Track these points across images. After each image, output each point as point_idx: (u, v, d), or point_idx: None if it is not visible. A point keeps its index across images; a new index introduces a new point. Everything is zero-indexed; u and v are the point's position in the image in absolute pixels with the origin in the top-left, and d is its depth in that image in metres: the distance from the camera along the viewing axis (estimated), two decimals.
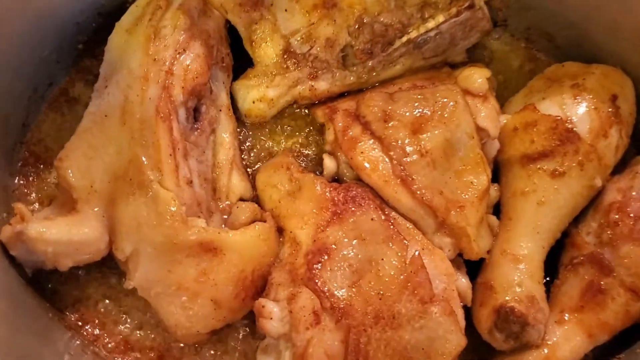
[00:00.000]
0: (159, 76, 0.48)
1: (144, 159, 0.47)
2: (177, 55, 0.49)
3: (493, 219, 0.54)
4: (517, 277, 0.50)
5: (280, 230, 0.51)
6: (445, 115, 0.51)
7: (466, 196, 0.51)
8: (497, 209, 0.55)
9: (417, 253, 0.48)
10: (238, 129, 0.55)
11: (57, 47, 0.53)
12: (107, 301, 0.53)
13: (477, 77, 0.54)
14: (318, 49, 0.54)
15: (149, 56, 0.48)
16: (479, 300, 0.51)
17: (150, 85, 0.48)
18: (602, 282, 0.50)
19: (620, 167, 0.55)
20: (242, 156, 0.56)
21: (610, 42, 0.57)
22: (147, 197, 0.47)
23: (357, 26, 0.55)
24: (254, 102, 0.54)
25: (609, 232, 0.51)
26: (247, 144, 0.56)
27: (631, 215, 0.51)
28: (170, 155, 0.47)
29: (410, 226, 0.50)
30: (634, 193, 0.52)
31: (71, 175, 0.49)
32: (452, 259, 0.51)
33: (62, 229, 0.48)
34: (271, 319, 0.47)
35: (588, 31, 0.58)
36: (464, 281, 0.51)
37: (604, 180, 0.53)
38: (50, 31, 0.51)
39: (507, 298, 0.49)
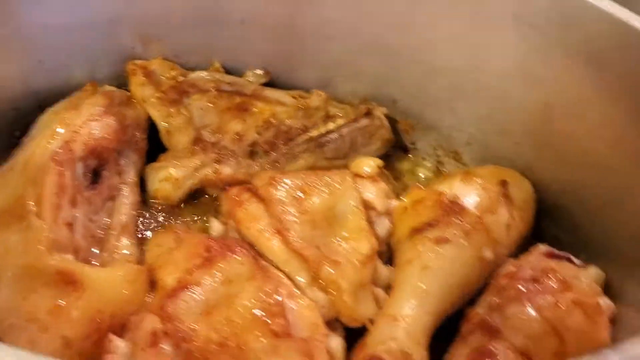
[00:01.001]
0: (65, 134, 0.53)
1: (30, 194, 0.49)
2: (88, 122, 0.54)
3: (381, 293, 0.51)
4: (393, 333, 0.45)
5: (153, 285, 0.50)
6: (331, 187, 0.53)
7: (345, 257, 0.50)
8: None
9: (280, 293, 0.45)
10: (147, 213, 0.58)
11: None
12: None
13: (368, 162, 0.56)
14: (227, 141, 0.59)
15: (62, 120, 0.54)
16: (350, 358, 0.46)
17: (54, 140, 0.52)
18: (490, 346, 0.45)
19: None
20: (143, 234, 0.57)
21: (510, 151, 0.60)
22: (22, 225, 0.48)
23: (265, 126, 0.60)
24: (160, 182, 0.58)
25: (497, 298, 0.48)
26: (152, 225, 0.58)
27: (521, 280, 0.48)
28: (55, 194, 0.49)
29: (283, 276, 0.48)
30: (526, 264, 0.50)
31: None
32: (330, 320, 0.48)
33: None
34: (116, 354, 0.43)
35: (489, 147, 0.62)
36: (336, 339, 0.46)
37: (496, 255, 0.51)
38: None
39: (378, 348, 0.44)
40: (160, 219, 0.58)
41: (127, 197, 0.56)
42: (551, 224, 0.58)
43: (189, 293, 0.45)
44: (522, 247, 0.55)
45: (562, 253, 0.51)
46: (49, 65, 0.58)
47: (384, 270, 0.53)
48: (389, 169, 0.64)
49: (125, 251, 0.53)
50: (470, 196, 0.53)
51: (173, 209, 0.59)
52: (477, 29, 0.56)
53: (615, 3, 0.49)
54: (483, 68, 0.57)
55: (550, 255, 0.51)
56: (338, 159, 0.61)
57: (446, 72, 0.59)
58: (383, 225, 0.55)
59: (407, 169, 0.66)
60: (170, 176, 0.57)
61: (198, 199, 0.60)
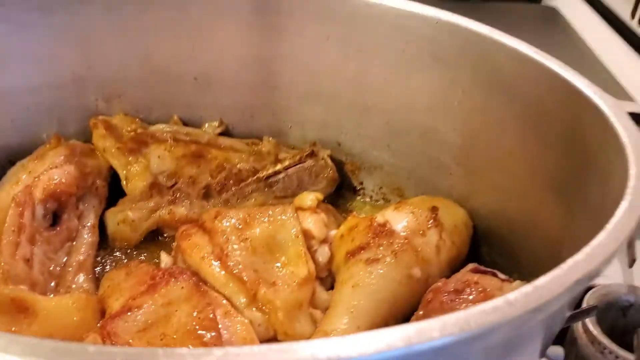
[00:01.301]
0: (27, 180, 0.58)
1: None
2: (49, 169, 0.59)
3: (319, 314, 0.54)
4: None
5: (103, 314, 0.53)
6: (273, 218, 0.57)
7: (282, 279, 0.53)
8: None
9: (215, 312, 0.48)
10: (105, 254, 0.62)
11: None
12: None
13: (308, 196, 0.60)
14: (182, 184, 0.64)
15: (26, 169, 0.60)
16: None
17: (18, 185, 0.58)
18: None
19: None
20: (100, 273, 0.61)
21: (446, 183, 0.64)
22: None
23: (218, 170, 0.65)
24: (118, 225, 0.62)
25: (422, 311, 0.51)
26: (110, 264, 0.62)
27: (444, 293, 0.51)
28: (13, 231, 0.54)
29: (222, 298, 0.52)
30: (452, 279, 0.53)
31: None
32: (268, 339, 0.51)
33: None
34: None
35: (427, 180, 0.66)
36: None
37: (426, 274, 0.54)
38: None
39: None
40: (118, 258, 0.62)
41: (86, 238, 0.60)
42: (488, 249, 0.61)
43: (130, 314, 0.49)
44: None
45: (487, 269, 0.54)
46: (20, 123, 0.64)
47: (323, 294, 0.56)
48: (339, 209, 0.68)
49: (82, 286, 0.57)
50: (400, 221, 0.57)
51: (131, 250, 0.63)
52: (402, 71, 0.61)
53: (518, 40, 0.55)
54: (411, 106, 0.62)
55: (476, 271, 0.54)
56: (287, 197, 0.65)
57: (380, 112, 0.65)
58: (323, 253, 0.58)
59: (356, 208, 0.70)
60: (128, 218, 0.62)
61: (155, 240, 0.64)
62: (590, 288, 0.60)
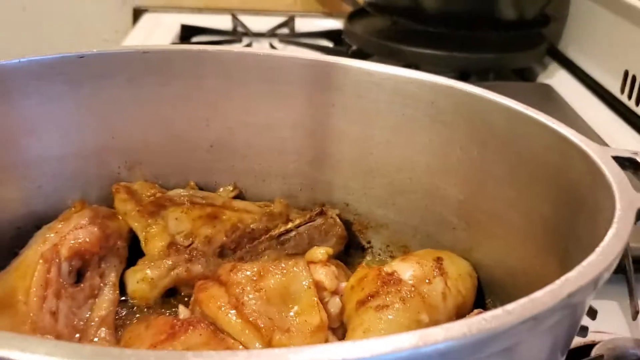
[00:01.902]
0: (54, 239, 0.62)
1: (19, 287, 0.57)
2: (74, 229, 0.63)
3: None
4: None
5: None
6: (285, 270, 0.60)
7: (295, 327, 0.55)
8: None
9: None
10: (125, 310, 0.64)
11: None
12: None
13: (319, 250, 0.63)
14: (198, 243, 0.67)
15: (53, 229, 0.63)
16: None
17: (45, 245, 0.61)
18: None
19: None
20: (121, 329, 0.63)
21: (450, 237, 0.67)
22: (10, 312, 0.55)
23: (232, 230, 0.69)
24: (137, 283, 0.65)
25: None
26: (130, 320, 0.64)
27: None
28: (41, 286, 0.57)
29: (238, 344, 0.53)
30: None
31: None
32: None
33: None
34: None
35: (432, 236, 0.69)
36: None
37: (434, 320, 0.56)
38: None
39: None
40: (137, 315, 0.64)
41: (108, 295, 0.63)
42: (493, 298, 0.64)
43: None
44: None
45: None
46: (46, 190, 0.68)
47: (334, 342, 0.58)
48: (348, 267, 0.70)
49: (105, 339, 0.59)
50: (407, 270, 0.60)
51: (149, 307, 0.65)
52: (403, 133, 0.66)
53: (509, 98, 0.60)
54: (413, 165, 0.67)
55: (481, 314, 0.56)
56: (298, 254, 0.68)
57: (384, 173, 0.69)
58: (335, 304, 0.61)
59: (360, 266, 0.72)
60: (147, 276, 0.65)
61: (172, 299, 0.66)
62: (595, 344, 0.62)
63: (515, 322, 0.34)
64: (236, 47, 0.70)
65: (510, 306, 0.35)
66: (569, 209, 0.52)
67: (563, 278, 0.37)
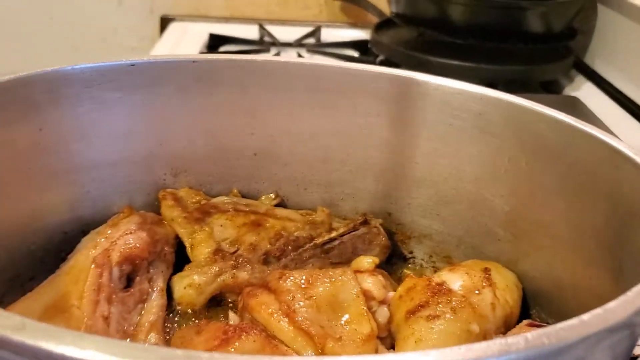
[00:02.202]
0: (104, 244, 0.62)
1: (72, 292, 0.58)
2: (124, 234, 0.64)
3: None
4: None
5: None
6: (334, 278, 0.60)
7: (346, 335, 0.56)
8: None
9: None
10: (173, 316, 0.65)
11: (43, 247, 0.68)
12: None
13: (365, 259, 0.64)
14: (243, 250, 0.68)
15: (103, 234, 0.64)
16: None
17: (96, 249, 0.62)
18: None
19: None
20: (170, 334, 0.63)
21: (494, 248, 0.67)
22: (64, 316, 0.55)
23: (276, 238, 0.69)
24: (184, 288, 0.65)
25: None
26: (178, 326, 0.64)
27: None
28: (94, 290, 0.58)
29: (291, 351, 0.54)
30: (509, 334, 0.55)
31: None
32: None
33: None
34: None
35: (476, 247, 0.69)
36: None
37: (484, 330, 0.57)
38: (40, 230, 0.67)
39: None
40: (184, 321, 0.65)
41: (156, 300, 0.64)
42: (538, 310, 0.64)
43: None
44: None
45: (542, 323, 0.57)
46: (93, 195, 0.69)
47: (384, 351, 0.58)
48: (391, 276, 0.71)
49: (155, 344, 0.60)
50: (456, 281, 0.60)
51: (196, 313, 0.66)
52: (450, 144, 0.66)
53: (557, 110, 0.60)
54: (459, 176, 0.67)
55: (531, 325, 0.56)
56: (342, 263, 0.68)
57: (429, 183, 0.69)
58: (383, 314, 0.61)
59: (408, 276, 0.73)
60: (194, 282, 0.65)
61: (217, 305, 0.67)
62: None
63: (592, 332, 0.34)
64: (282, 57, 0.70)
65: (585, 316, 0.35)
66: (622, 222, 0.52)
67: (635, 289, 0.37)
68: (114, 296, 0.60)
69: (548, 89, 1.42)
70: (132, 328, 0.60)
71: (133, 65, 0.65)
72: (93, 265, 0.60)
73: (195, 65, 0.67)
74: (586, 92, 1.38)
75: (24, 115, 0.60)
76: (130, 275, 0.63)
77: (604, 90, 1.37)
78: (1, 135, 0.59)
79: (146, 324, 0.61)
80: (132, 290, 0.62)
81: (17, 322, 0.31)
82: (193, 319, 0.65)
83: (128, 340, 0.59)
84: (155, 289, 0.64)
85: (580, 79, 1.45)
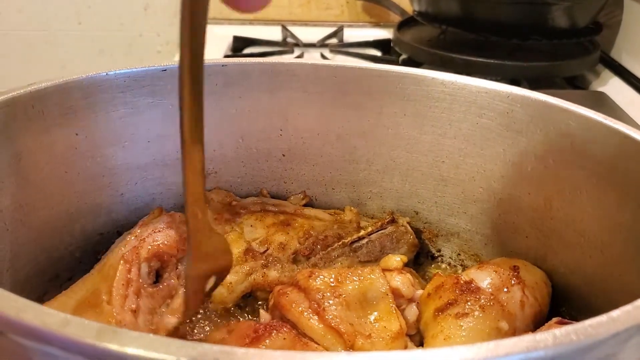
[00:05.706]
0: (134, 242, 0.64)
1: (102, 287, 0.59)
2: (153, 232, 0.65)
3: None
4: None
5: None
6: (362, 277, 0.61)
7: (376, 333, 0.56)
8: None
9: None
10: (202, 315, 0.66)
11: (81, 248, 0.70)
12: None
13: (394, 258, 0.65)
14: (273, 250, 0.69)
15: (134, 233, 0.66)
16: None
17: (125, 248, 0.64)
18: None
19: None
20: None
21: (522, 245, 0.68)
22: (95, 311, 0.57)
23: (305, 237, 0.70)
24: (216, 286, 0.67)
25: None
26: (208, 326, 0.66)
27: None
28: (123, 285, 0.59)
29: (321, 349, 0.55)
30: (538, 331, 0.55)
31: None
32: None
33: None
34: None
35: (504, 245, 0.70)
36: None
37: (513, 327, 0.57)
38: (77, 232, 0.70)
39: None
40: (214, 319, 0.66)
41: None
42: (568, 307, 0.64)
43: None
44: None
45: (572, 321, 0.57)
46: (127, 197, 0.71)
47: (414, 349, 0.59)
48: (419, 274, 0.72)
49: None
50: (484, 279, 0.60)
51: (227, 312, 0.67)
52: (477, 142, 0.67)
53: (584, 107, 0.60)
54: (487, 175, 0.67)
55: (560, 323, 0.56)
56: (370, 262, 0.69)
57: (456, 182, 0.70)
58: (411, 312, 0.62)
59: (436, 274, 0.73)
60: (225, 281, 0.67)
61: (247, 305, 0.68)
62: None
63: (622, 328, 0.35)
64: (310, 60, 0.71)
65: (614, 313, 0.35)
66: None
67: None
68: (142, 291, 0.62)
69: (573, 84, 1.41)
70: (160, 321, 0.62)
71: (165, 70, 0.67)
72: (122, 262, 0.61)
73: (225, 69, 0.69)
74: (613, 87, 1.37)
75: (62, 121, 0.62)
76: (159, 271, 0.65)
77: (631, 84, 1.35)
78: (40, 140, 0.61)
79: (173, 317, 0.62)
80: (160, 285, 0.64)
81: (61, 319, 0.33)
82: (221, 319, 0.67)
83: (157, 335, 0.60)
84: (183, 285, 0.66)
85: (606, 74, 1.44)
